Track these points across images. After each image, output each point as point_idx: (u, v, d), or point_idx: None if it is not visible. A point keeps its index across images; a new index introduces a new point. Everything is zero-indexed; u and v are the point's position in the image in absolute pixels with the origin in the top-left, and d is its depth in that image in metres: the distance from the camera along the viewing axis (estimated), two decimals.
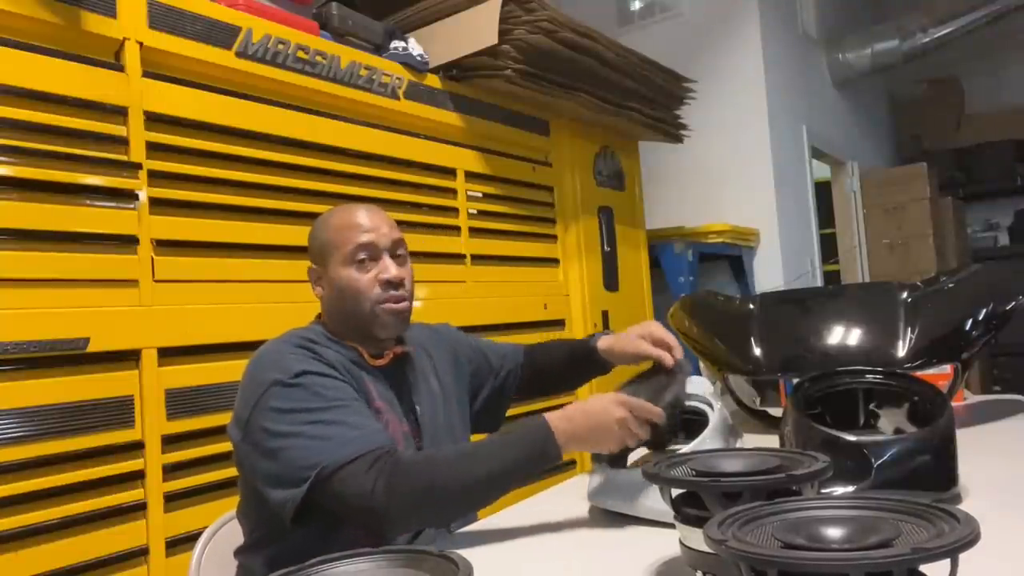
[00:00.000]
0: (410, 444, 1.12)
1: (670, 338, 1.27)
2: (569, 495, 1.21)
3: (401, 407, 1.15)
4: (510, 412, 1.42)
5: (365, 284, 1.14)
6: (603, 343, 1.34)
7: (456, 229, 2.23)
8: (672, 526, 0.79)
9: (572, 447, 1.02)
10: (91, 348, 1.36)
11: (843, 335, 1.56)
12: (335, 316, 1.17)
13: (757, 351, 1.61)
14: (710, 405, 1.16)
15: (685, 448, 1.05)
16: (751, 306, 1.73)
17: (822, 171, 4.97)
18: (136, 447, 1.42)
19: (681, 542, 0.78)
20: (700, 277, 3.48)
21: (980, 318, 1.52)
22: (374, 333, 1.15)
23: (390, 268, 1.15)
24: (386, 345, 1.18)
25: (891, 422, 1.16)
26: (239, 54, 1.68)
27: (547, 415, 1.02)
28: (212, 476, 1.51)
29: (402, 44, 2.12)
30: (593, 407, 1.03)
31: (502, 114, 2.40)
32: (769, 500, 0.66)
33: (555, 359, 1.42)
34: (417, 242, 2.08)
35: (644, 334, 1.28)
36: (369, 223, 1.16)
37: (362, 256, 1.14)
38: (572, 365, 1.41)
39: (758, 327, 1.65)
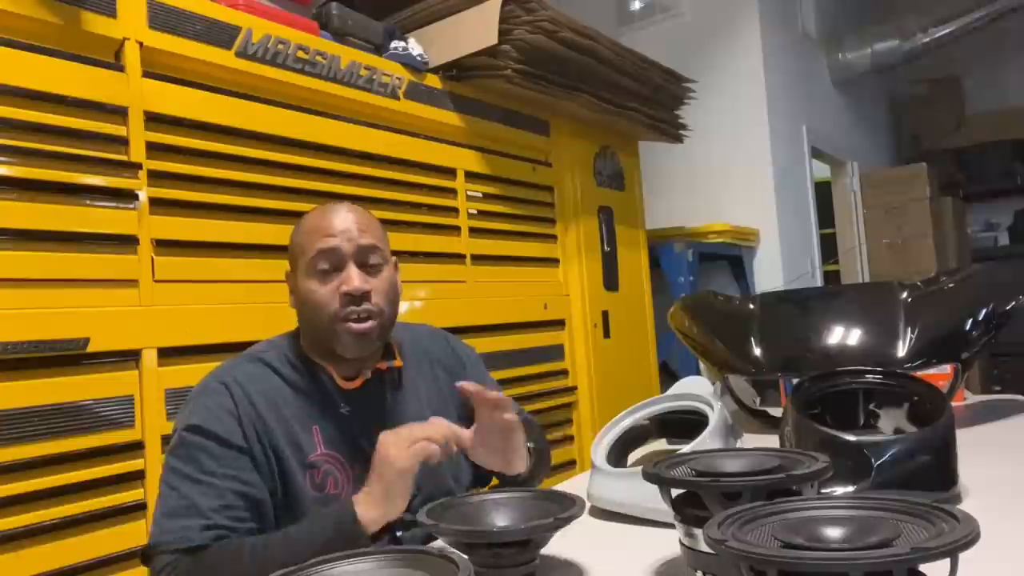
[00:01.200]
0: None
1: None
2: None
3: (369, 440, 1.00)
4: None
5: (323, 297, 1.03)
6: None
7: (456, 229, 2.23)
8: (672, 526, 0.80)
9: (380, 519, 0.93)
10: (91, 348, 1.36)
11: (843, 335, 1.56)
12: (303, 328, 1.09)
13: (757, 351, 1.61)
14: (710, 405, 1.16)
15: (685, 448, 1.05)
16: (751, 306, 1.73)
17: (822, 171, 4.97)
18: (136, 447, 1.41)
19: (681, 542, 0.78)
20: (700, 277, 3.48)
21: (980, 318, 1.52)
22: (335, 350, 1.05)
23: (352, 279, 1.03)
24: (359, 364, 1.08)
25: (891, 422, 1.16)
26: (239, 54, 1.68)
27: (354, 497, 0.94)
28: None
29: (402, 44, 2.12)
30: (379, 468, 0.94)
31: (502, 114, 2.40)
32: (769, 500, 0.66)
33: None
34: (417, 242, 2.08)
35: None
36: (337, 226, 1.05)
37: (324, 265, 1.04)
38: None
39: (758, 327, 1.65)
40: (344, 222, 1.06)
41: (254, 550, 0.91)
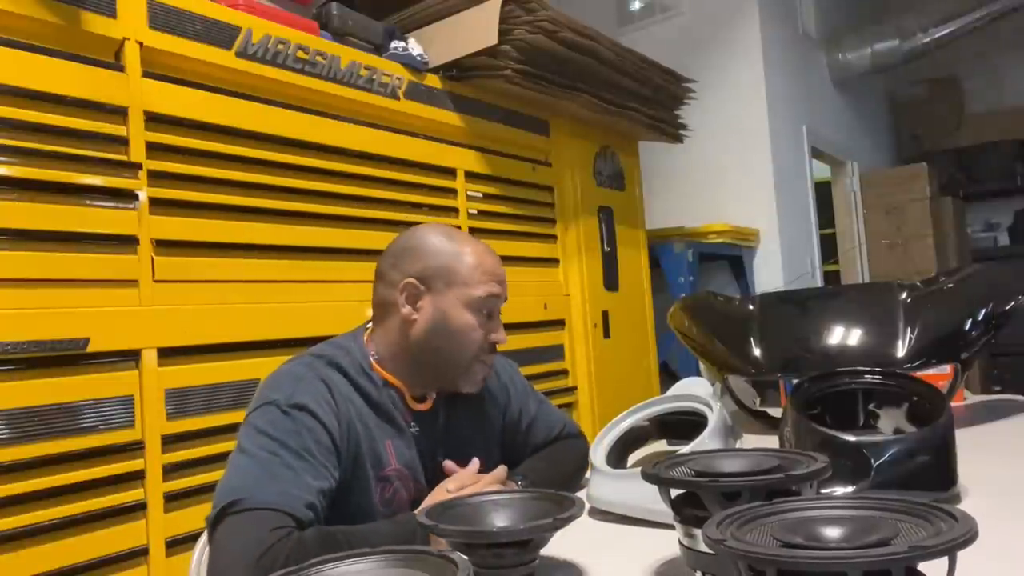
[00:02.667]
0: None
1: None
2: None
3: (429, 458, 1.08)
4: None
5: (479, 336, 1.07)
6: None
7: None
8: (672, 526, 0.80)
9: None
10: (91, 348, 1.36)
11: (843, 335, 1.56)
12: (412, 346, 1.07)
13: (757, 351, 1.61)
14: (710, 406, 1.16)
15: (685, 448, 1.05)
16: (751, 306, 1.73)
17: (822, 171, 4.97)
18: (136, 447, 1.41)
19: (680, 542, 0.78)
20: (700, 277, 3.48)
21: (980, 318, 1.52)
22: (455, 385, 1.10)
23: (502, 333, 1.11)
24: (433, 388, 1.11)
25: (891, 422, 1.16)
26: (239, 54, 1.68)
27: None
28: (212, 476, 1.51)
29: (402, 44, 2.12)
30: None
31: (502, 114, 2.40)
32: (768, 500, 0.66)
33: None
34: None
35: None
36: (501, 274, 1.11)
37: (489, 308, 1.09)
38: None
39: (758, 327, 1.65)
40: (503, 272, 1.12)
41: (348, 541, 0.88)
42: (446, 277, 1.06)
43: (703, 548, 0.71)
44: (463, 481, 1.01)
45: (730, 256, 3.84)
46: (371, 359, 1.08)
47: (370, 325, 1.14)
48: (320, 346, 1.10)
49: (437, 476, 1.08)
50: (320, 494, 0.93)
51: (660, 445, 1.31)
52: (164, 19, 1.54)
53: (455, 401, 1.15)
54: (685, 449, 1.04)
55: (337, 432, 0.98)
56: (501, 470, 1.05)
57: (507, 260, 2.34)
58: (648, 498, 0.99)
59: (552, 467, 1.20)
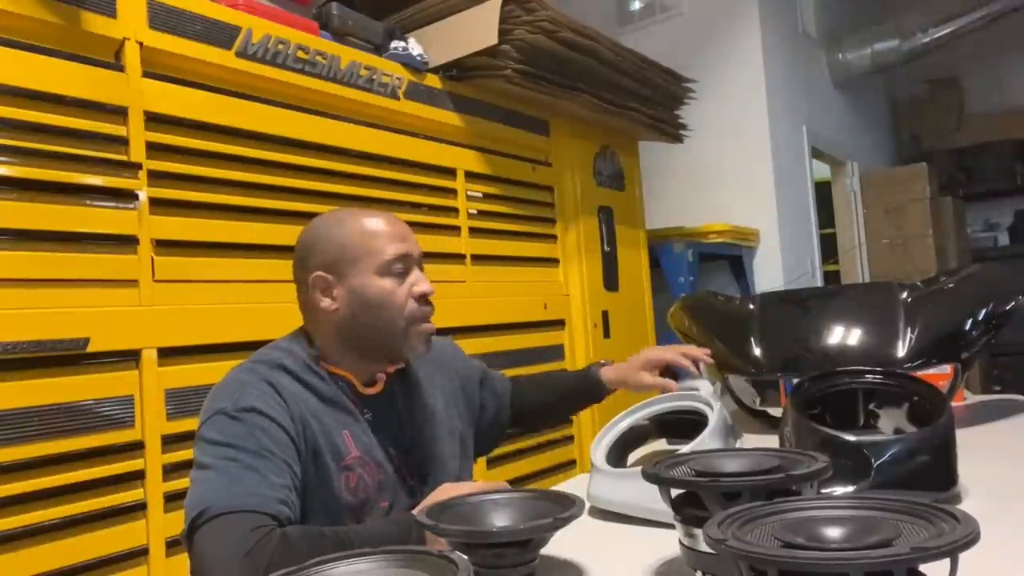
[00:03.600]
0: (388, 492, 1.04)
1: (670, 354, 1.26)
2: None
3: (390, 441, 1.06)
4: None
5: (400, 297, 1.05)
6: (610, 375, 1.31)
7: (456, 229, 2.23)
8: (672, 526, 0.79)
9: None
10: (91, 348, 1.36)
11: (843, 335, 1.56)
12: (345, 333, 1.06)
13: (757, 351, 1.61)
14: (710, 406, 1.16)
15: (685, 448, 1.05)
16: (751, 306, 1.73)
17: (822, 171, 4.97)
18: (136, 447, 1.41)
19: (681, 542, 0.78)
20: (700, 277, 3.48)
21: (980, 318, 1.52)
22: (400, 354, 1.08)
23: (425, 281, 1.07)
24: (376, 370, 1.09)
25: (891, 422, 1.16)
26: (239, 54, 1.68)
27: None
28: None
29: (402, 44, 2.12)
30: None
31: (502, 114, 2.40)
32: (769, 500, 0.66)
33: (549, 395, 1.37)
34: (417, 242, 2.08)
35: (645, 363, 1.27)
36: (401, 231, 1.08)
37: (399, 267, 1.06)
38: (572, 400, 1.38)
39: (758, 327, 1.65)
40: (405, 229, 1.09)
41: (337, 538, 0.87)
42: (347, 258, 1.05)
43: (704, 548, 0.71)
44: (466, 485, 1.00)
45: (730, 256, 3.84)
46: (314, 355, 1.07)
47: (304, 329, 1.12)
48: (258, 352, 1.08)
49: (402, 460, 1.07)
50: (288, 490, 0.92)
51: (660, 445, 1.31)
52: (164, 19, 1.54)
53: (406, 377, 1.14)
54: (685, 449, 1.04)
55: (292, 428, 0.97)
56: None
57: (507, 260, 2.37)
58: (648, 498, 0.99)
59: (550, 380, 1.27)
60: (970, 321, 1.52)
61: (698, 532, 0.74)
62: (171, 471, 1.46)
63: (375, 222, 1.08)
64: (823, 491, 0.88)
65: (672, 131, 3.04)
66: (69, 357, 1.34)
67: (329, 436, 1.01)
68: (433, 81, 2.18)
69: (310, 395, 1.03)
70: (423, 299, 1.08)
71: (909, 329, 1.51)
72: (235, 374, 1.03)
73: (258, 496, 0.88)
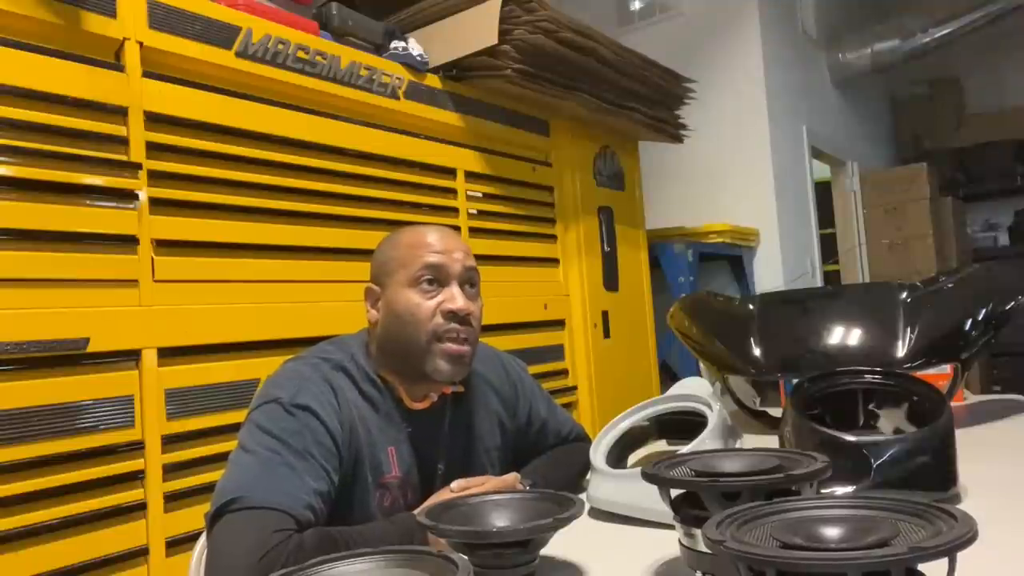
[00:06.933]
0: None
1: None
2: None
3: (428, 464, 1.06)
4: None
5: (425, 311, 1.01)
6: None
7: (456, 229, 2.23)
8: (672, 526, 0.80)
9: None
10: (91, 348, 1.36)
11: (843, 335, 1.56)
12: (385, 344, 1.05)
13: (757, 351, 1.61)
14: (710, 406, 1.16)
15: (685, 448, 1.05)
16: (751, 306, 1.73)
17: (822, 171, 4.97)
18: (136, 447, 1.41)
19: (680, 542, 0.78)
20: (700, 277, 3.48)
21: (980, 318, 1.52)
22: (425, 373, 1.03)
23: (457, 298, 1.02)
24: (431, 387, 1.07)
25: (890, 422, 1.16)
26: (239, 54, 1.68)
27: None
28: (212, 476, 1.51)
29: (402, 44, 2.12)
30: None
31: (502, 114, 2.40)
32: (768, 500, 0.66)
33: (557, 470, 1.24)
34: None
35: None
36: (441, 244, 1.05)
37: (428, 278, 1.02)
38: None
39: (758, 327, 1.65)
40: (451, 242, 1.06)
41: (344, 544, 0.86)
42: (386, 269, 1.06)
43: (703, 548, 0.71)
44: (469, 483, 1.00)
45: (730, 256, 3.84)
46: (372, 365, 1.07)
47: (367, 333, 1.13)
48: (323, 347, 1.08)
49: (435, 481, 1.07)
50: (319, 496, 0.92)
51: (660, 445, 1.31)
52: (164, 19, 1.54)
53: (460, 402, 1.13)
54: (685, 449, 1.04)
55: (339, 435, 0.97)
56: (512, 476, 1.04)
57: (507, 260, 2.37)
58: (648, 498, 0.99)
59: (558, 470, 1.20)
60: (970, 321, 1.52)
61: (698, 532, 0.74)
62: (171, 471, 1.46)
63: (418, 234, 1.07)
64: (822, 491, 0.88)
65: (672, 131, 3.04)
66: (69, 357, 1.34)
67: (374, 449, 1.01)
68: (433, 81, 2.18)
69: (365, 404, 1.03)
70: (452, 316, 1.02)
71: (909, 329, 1.51)
72: (298, 366, 1.02)
73: (289, 496, 0.89)
